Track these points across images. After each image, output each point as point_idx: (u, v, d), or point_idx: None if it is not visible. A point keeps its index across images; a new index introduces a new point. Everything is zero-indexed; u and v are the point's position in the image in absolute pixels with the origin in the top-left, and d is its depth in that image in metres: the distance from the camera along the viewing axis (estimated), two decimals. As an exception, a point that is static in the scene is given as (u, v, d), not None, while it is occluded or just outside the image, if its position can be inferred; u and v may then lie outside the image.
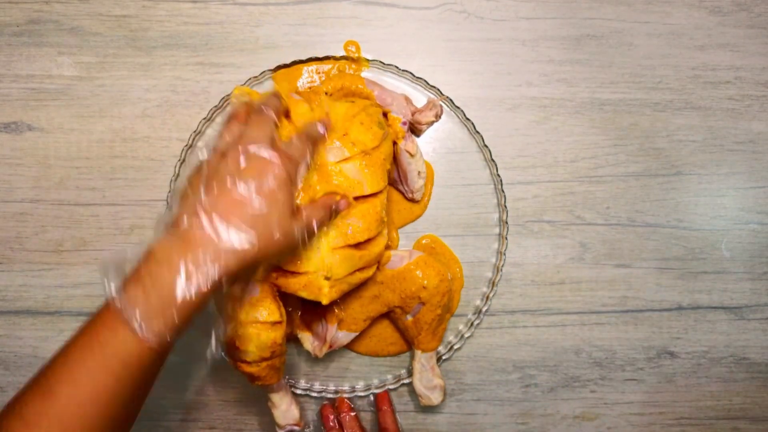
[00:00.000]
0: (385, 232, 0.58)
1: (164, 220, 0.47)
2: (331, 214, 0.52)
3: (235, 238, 0.44)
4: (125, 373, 0.42)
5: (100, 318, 0.43)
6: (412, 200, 0.65)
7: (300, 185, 0.51)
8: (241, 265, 0.44)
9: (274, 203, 0.46)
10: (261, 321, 0.52)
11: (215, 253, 0.43)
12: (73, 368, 0.42)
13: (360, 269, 0.55)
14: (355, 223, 0.54)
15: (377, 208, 0.55)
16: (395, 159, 0.62)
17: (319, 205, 0.51)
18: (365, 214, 0.54)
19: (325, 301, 0.54)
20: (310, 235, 0.50)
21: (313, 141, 0.52)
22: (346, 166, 0.54)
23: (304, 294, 0.54)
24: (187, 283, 0.42)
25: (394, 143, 0.61)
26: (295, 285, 0.53)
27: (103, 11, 0.67)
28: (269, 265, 0.53)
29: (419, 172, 0.63)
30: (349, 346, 0.65)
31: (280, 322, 0.53)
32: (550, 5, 0.68)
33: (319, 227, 0.51)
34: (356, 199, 0.54)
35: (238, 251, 0.44)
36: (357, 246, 0.54)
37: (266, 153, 0.47)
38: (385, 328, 0.65)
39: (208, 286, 0.42)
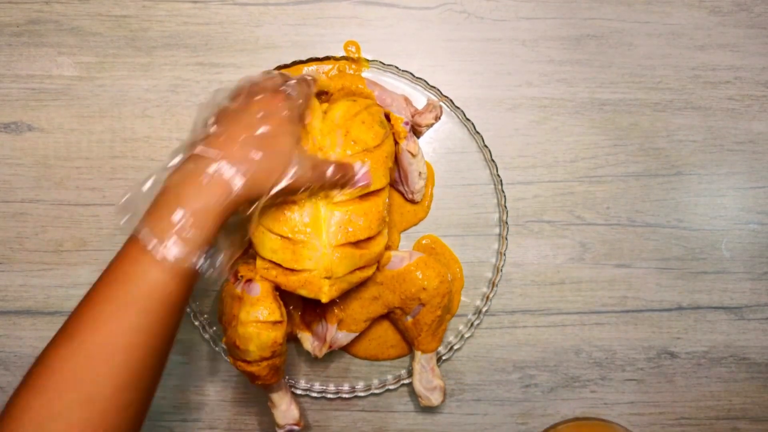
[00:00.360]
0: (386, 231, 0.57)
1: (178, 149, 0.48)
2: (343, 179, 0.53)
3: (243, 159, 0.46)
4: (150, 306, 0.42)
5: (121, 255, 0.44)
6: (412, 201, 0.65)
7: (305, 122, 0.53)
8: (251, 189, 0.46)
9: (283, 130, 0.49)
10: (261, 320, 0.52)
11: (222, 182, 0.45)
12: (97, 309, 0.42)
13: (360, 268, 0.55)
14: (357, 221, 0.54)
15: (379, 207, 0.55)
16: (396, 159, 0.62)
17: (337, 165, 0.52)
18: (367, 211, 0.54)
19: (324, 300, 0.54)
20: (318, 179, 0.51)
21: (308, 86, 0.55)
22: None
23: (303, 292, 0.54)
24: (203, 205, 0.44)
25: (396, 143, 0.61)
26: (294, 283, 0.53)
27: (103, 11, 0.67)
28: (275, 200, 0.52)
29: (420, 172, 0.63)
30: (350, 351, 0.65)
31: (280, 322, 0.53)
32: (550, 5, 0.68)
33: (327, 183, 0.52)
34: (359, 197, 0.54)
35: (248, 173, 0.46)
36: (357, 244, 0.54)
37: (274, 88, 0.51)
38: (385, 331, 0.65)
39: (222, 209, 0.44)
